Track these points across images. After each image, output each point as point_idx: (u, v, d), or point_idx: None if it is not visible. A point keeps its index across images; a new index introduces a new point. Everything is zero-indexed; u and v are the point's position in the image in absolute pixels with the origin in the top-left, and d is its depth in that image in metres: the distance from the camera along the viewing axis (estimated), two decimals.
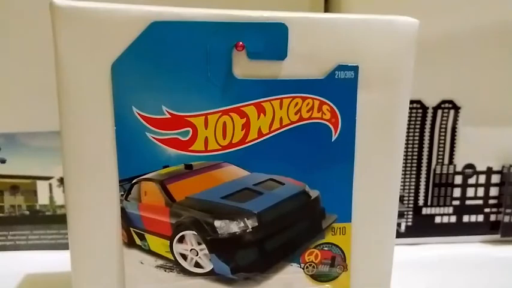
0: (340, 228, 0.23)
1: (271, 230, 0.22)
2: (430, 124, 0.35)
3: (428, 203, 0.36)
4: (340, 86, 0.21)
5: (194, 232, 0.21)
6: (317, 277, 0.23)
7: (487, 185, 0.36)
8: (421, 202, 0.36)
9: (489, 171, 0.36)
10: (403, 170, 0.35)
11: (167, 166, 0.21)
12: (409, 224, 0.36)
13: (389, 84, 0.22)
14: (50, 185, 0.34)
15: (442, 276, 0.32)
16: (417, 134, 0.35)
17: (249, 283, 0.22)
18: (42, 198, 0.35)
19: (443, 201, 0.36)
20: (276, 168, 0.22)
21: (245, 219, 0.21)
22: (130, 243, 0.21)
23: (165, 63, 0.20)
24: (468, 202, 0.36)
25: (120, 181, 0.21)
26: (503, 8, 0.33)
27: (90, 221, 0.21)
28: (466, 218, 0.37)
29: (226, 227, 0.21)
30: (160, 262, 0.22)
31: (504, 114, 0.35)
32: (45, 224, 0.35)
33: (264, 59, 0.21)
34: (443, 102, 0.34)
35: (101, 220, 0.21)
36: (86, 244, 0.21)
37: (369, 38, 0.21)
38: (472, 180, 0.36)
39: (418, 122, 0.35)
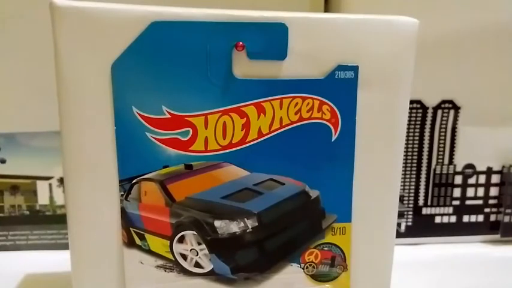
0: (340, 228, 0.23)
1: (271, 230, 0.22)
2: (430, 124, 0.35)
3: (428, 203, 0.36)
4: (340, 86, 0.21)
5: (194, 232, 0.21)
6: (317, 277, 0.23)
7: (487, 185, 0.36)
8: (421, 202, 0.36)
9: (489, 171, 0.36)
10: (403, 170, 0.35)
11: (167, 166, 0.21)
12: (409, 224, 0.36)
13: (389, 84, 0.22)
14: (50, 185, 0.34)
15: (442, 276, 0.32)
16: (417, 134, 0.35)
17: (249, 283, 0.22)
18: (42, 198, 0.35)
19: (443, 201, 0.36)
20: (276, 168, 0.22)
21: (245, 219, 0.21)
22: (130, 243, 0.21)
23: (165, 63, 0.20)
24: (468, 202, 0.36)
25: (120, 181, 0.21)
26: (503, 8, 0.33)
27: (90, 221, 0.21)
28: (466, 218, 0.37)
29: (226, 227, 0.21)
30: (160, 262, 0.22)
31: (504, 114, 0.35)
32: (45, 224, 0.35)
33: (264, 59, 0.21)
34: (443, 102, 0.34)
35: (101, 220, 0.21)
36: (86, 244, 0.21)
37: (369, 38, 0.21)
38: (472, 180, 0.36)
39: (418, 122, 0.35)
